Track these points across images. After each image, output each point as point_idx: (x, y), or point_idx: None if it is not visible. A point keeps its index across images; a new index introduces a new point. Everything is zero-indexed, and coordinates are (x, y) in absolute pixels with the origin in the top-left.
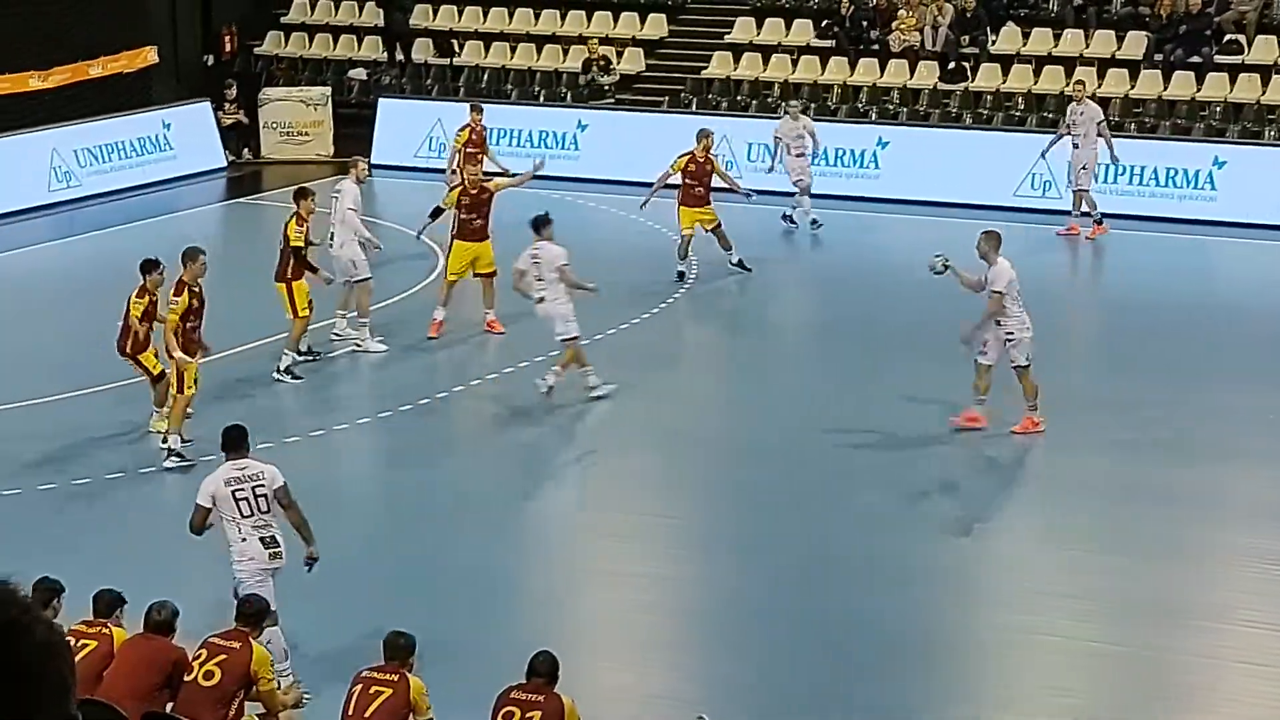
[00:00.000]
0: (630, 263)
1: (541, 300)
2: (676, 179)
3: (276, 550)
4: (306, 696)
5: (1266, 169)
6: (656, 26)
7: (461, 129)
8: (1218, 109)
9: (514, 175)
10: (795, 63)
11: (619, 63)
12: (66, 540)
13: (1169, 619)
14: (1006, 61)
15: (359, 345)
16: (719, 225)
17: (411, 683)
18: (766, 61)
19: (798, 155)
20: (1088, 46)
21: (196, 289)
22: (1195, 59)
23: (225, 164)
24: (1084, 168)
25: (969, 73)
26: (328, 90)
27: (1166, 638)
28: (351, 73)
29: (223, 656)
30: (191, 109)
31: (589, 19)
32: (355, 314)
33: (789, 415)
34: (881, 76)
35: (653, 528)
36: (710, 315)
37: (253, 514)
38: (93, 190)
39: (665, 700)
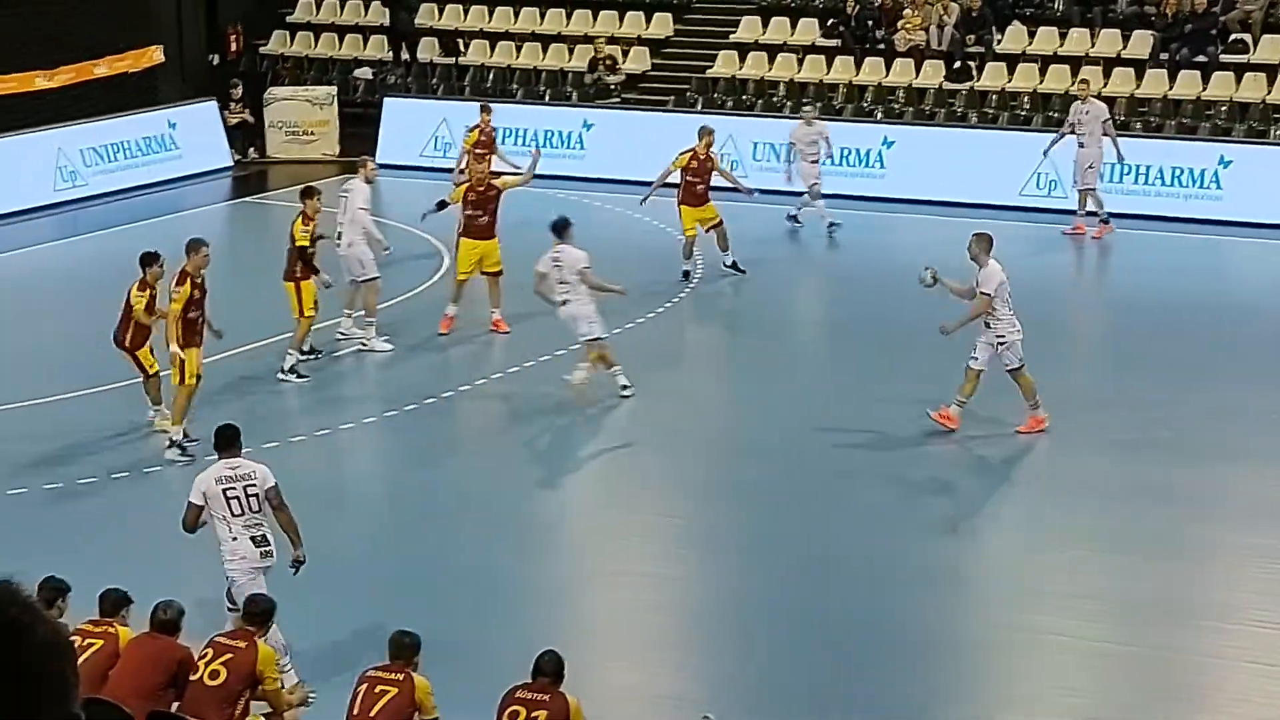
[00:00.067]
0: (635, 262)
1: (564, 303)
2: (676, 177)
3: (267, 549)
4: (312, 695)
5: (1272, 168)
6: (662, 26)
7: (471, 129)
8: (1223, 108)
9: (519, 173)
10: (801, 62)
11: (624, 62)
12: (71, 539)
13: (1176, 619)
14: (1012, 61)
15: (365, 344)
16: (720, 223)
17: (417, 682)
18: (772, 61)
19: (811, 161)
20: (1093, 45)
21: (199, 280)
22: (1201, 58)
23: (231, 163)
24: (1090, 167)
25: (974, 72)
26: (333, 90)
27: (1174, 637)
28: (357, 72)
29: (228, 656)
30: (197, 108)
31: (594, 18)
32: (362, 313)
33: (793, 415)
34: (887, 76)
35: (658, 527)
36: (715, 315)
37: (244, 513)
38: (98, 190)
39: (670, 700)
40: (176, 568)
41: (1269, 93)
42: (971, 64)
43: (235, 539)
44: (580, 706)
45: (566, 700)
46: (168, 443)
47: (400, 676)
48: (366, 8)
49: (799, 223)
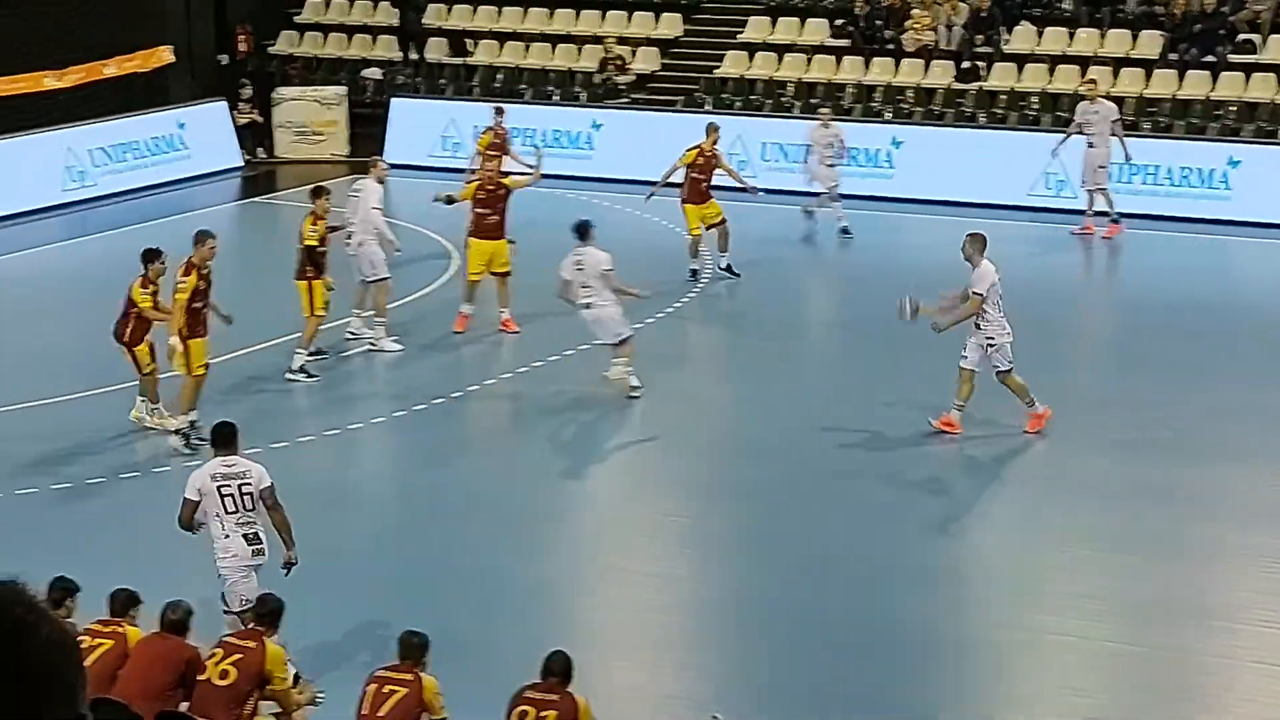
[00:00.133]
0: (644, 262)
1: (588, 306)
2: (679, 176)
3: (259, 547)
4: (320, 695)
5: None
6: (671, 26)
7: (484, 131)
8: (1232, 108)
9: (529, 173)
10: (809, 62)
11: (633, 62)
12: (78, 539)
13: (1182, 619)
14: (1021, 61)
15: (374, 344)
16: (723, 221)
17: (425, 682)
18: (781, 61)
19: (828, 165)
20: (1102, 46)
21: (205, 271)
22: (1210, 58)
23: (240, 163)
24: (1101, 166)
25: (983, 72)
26: (342, 90)
27: (1180, 637)
28: (366, 72)
29: (238, 656)
30: (207, 108)
31: (603, 18)
32: (371, 313)
33: (797, 415)
34: (896, 76)
35: (664, 527)
36: (722, 315)
37: (237, 510)
38: (107, 190)
39: (679, 699)
40: (184, 567)
41: (1278, 93)
42: (980, 64)
43: (228, 536)
44: (589, 706)
45: (575, 700)
46: (173, 431)
47: (409, 676)
48: (375, 8)
49: (813, 216)
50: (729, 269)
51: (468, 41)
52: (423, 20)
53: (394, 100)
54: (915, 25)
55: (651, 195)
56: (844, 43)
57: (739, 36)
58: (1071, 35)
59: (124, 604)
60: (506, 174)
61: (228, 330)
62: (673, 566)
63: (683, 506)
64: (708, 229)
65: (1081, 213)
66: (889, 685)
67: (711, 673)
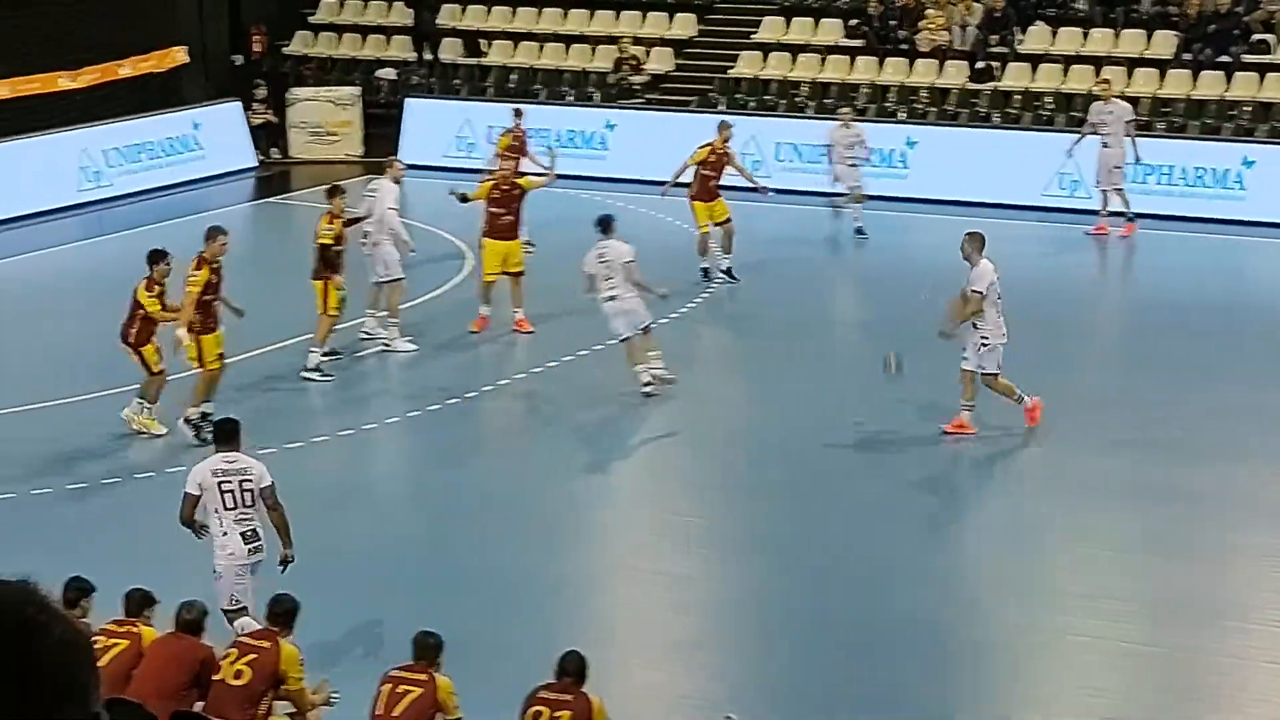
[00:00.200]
0: (658, 262)
1: (612, 299)
2: (689, 175)
3: (257, 544)
4: (334, 695)
5: None
6: (685, 26)
7: (503, 133)
8: (1246, 108)
9: (543, 174)
10: (823, 62)
11: (647, 62)
12: (93, 539)
13: (1197, 619)
14: (1035, 61)
15: (388, 345)
16: (729, 221)
17: (439, 682)
18: (795, 61)
19: (850, 165)
20: (1116, 46)
21: (216, 265)
22: (1224, 58)
23: (254, 164)
24: (1116, 167)
25: (997, 72)
26: (356, 90)
27: (1195, 638)
28: (380, 72)
29: (252, 656)
30: (221, 109)
31: (617, 18)
32: (385, 313)
33: (812, 415)
34: (910, 76)
35: (680, 526)
36: (736, 314)
37: (236, 507)
38: (122, 190)
39: (693, 699)
40: (190, 567)
41: None
42: (994, 64)
43: (225, 534)
44: (603, 706)
45: (589, 700)
46: (186, 425)
47: (423, 676)
48: (389, 8)
49: (838, 212)
50: (728, 272)
51: (482, 42)
52: (437, 20)
53: (408, 100)
54: (929, 25)
55: (665, 193)
56: (858, 43)
57: (753, 37)
58: (1086, 35)
59: (139, 604)
60: (522, 174)
61: (243, 330)
62: (687, 566)
63: (697, 506)
64: (714, 226)
65: (1096, 213)
66: (903, 686)
67: (725, 673)
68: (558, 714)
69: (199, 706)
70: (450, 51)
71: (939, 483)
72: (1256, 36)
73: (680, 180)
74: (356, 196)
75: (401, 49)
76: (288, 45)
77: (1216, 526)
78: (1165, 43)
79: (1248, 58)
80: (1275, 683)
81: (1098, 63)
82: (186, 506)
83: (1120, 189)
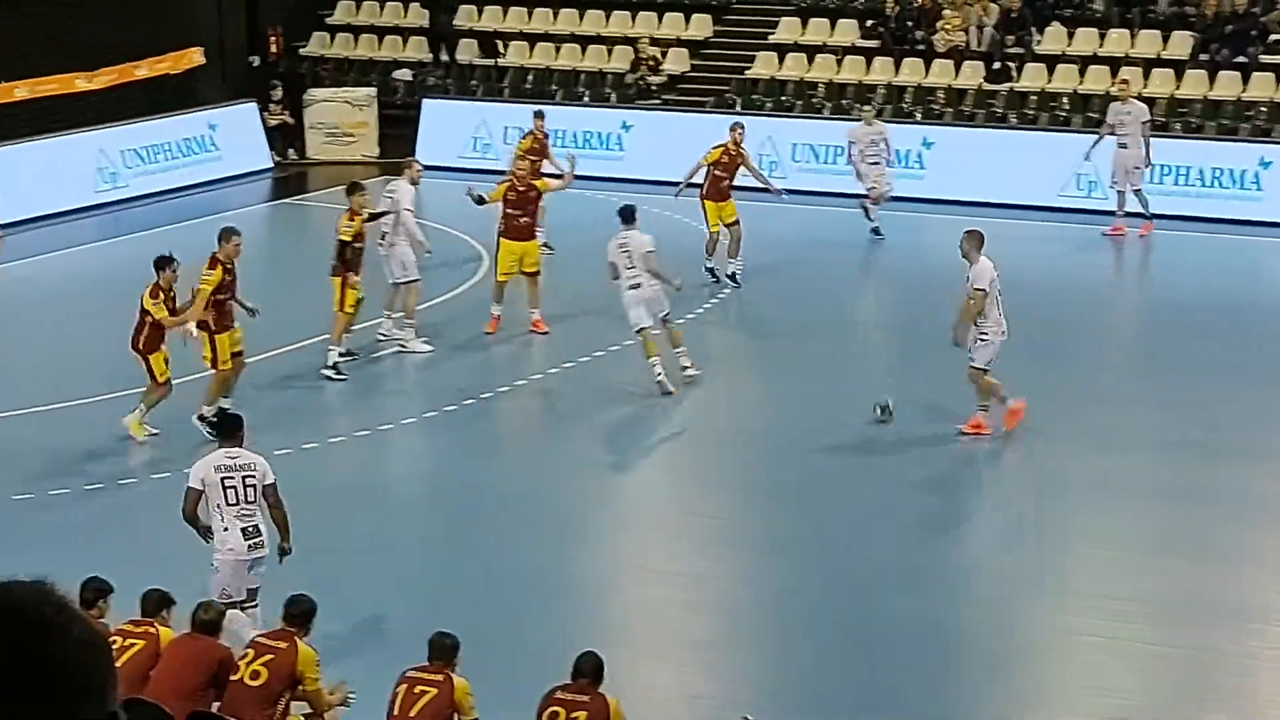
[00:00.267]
0: (674, 262)
1: (635, 288)
2: (701, 175)
3: (258, 540)
4: (351, 696)
5: None
6: (701, 27)
7: (525, 135)
8: (1264, 109)
9: (561, 179)
10: (840, 63)
11: (664, 63)
12: (106, 540)
13: (1212, 620)
14: (1052, 61)
15: (404, 346)
16: (737, 223)
17: (456, 683)
18: (811, 62)
19: (872, 163)
20: (1133, 46)
21: (230, 266)
22: (1241, 59)
23: (271, 165)
24: (1136, 167)
25: (1014, 73)
26: (373, 91)
27: (1210, 639)
28: (396, 73)
29: (269, 656)
30: (237, 110)
31: (634, 19)
32: (401, 314)
33: (830, 416)
34: (926, 76)
35: (697, 527)
36: (752, 315)
37: (238, 503)
38: (139, 191)
39: (709, 700)
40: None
41: None
42: (1011, 65)
43: (226, 529)
44: (620, 707)
45: (606, 701)
46: (199, 421)
47: (440, 677)
48: (406, 9)
49: (879, 235)
50: (732, 277)
51: (498, 43)
52: (453, 22)
53: (426, 101)
54: (946, 26)
55: (678, 194)
56: (874, 44)
57: (770, 37)
58: (1102, 36)
59: (157, 604)
60: (538, 176)
61: (259, 330)
62: (703, 566)
63: (713, 506)
64: (722, 227)
65: (1112, 213)
66: (919, 686)
67: (741, 673)
68: (574, 714)
69: (216, 707)
70: (467, 52)
71: (952, 484)
72: (1274, 37)
73: (693, 180)
74: (375, 198)
75: (418, 50)
76: (304, 46)
77: (1233, 527)
78: (1182, 43)
79: (1265, 58)
80: None
81: (1114, 63)
82: (189, 501)
83: (1139, 189)
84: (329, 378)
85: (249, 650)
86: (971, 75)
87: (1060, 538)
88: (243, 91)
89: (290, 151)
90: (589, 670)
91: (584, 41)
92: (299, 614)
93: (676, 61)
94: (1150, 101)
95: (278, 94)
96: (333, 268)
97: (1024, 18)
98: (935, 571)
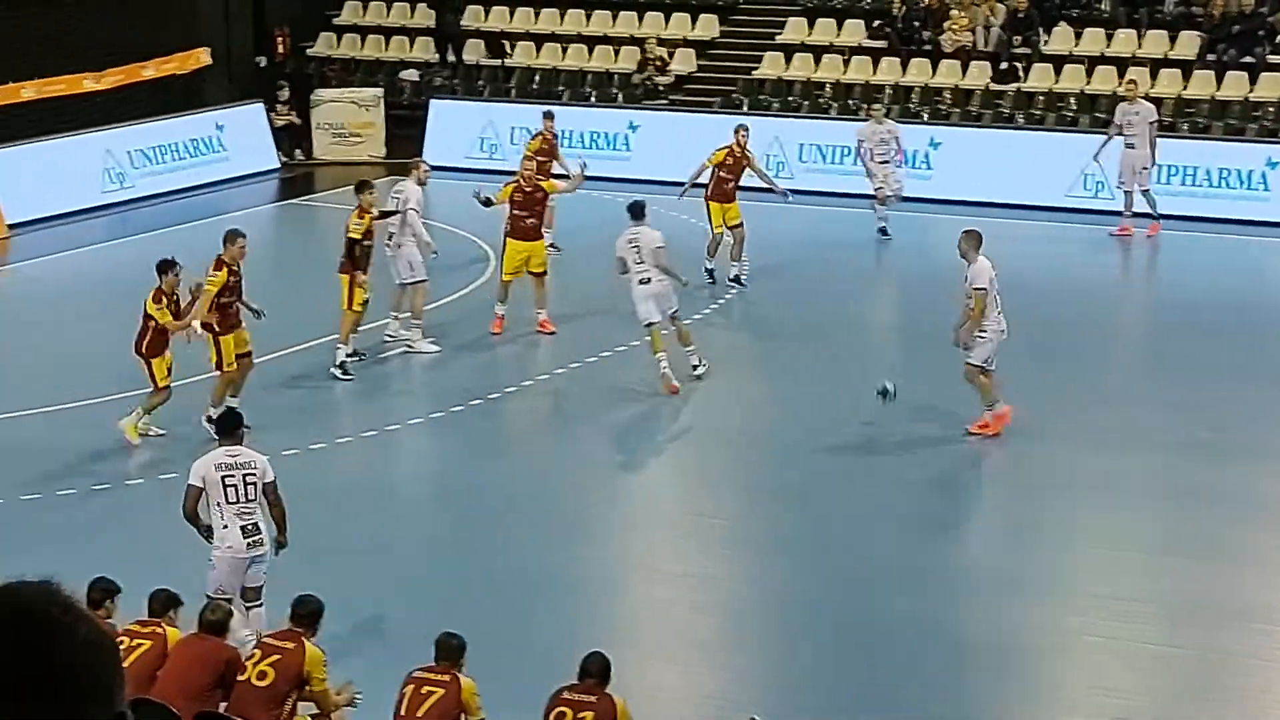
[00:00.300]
0: (682, 262)
1: (645, 282)
2: (706, 176)
3: (257, 538)
4: (358, 696)
5: None
6: (708, 27)
7: (534, 136)
8: (1271, 109)
9: (567, 181)
10: (847, 63)
11: (670, 63)
12: (119, 540)
13: (1219, 620)
14: (1059, 62)
15: (411, 346)
16: (740, 225)
17: (463, 683)
18: (818, 62)
19: (881, 161)
20: (1140, 47)
21: (235, 268)
22: (1248, 59)
23: (277, 165)
24: (1144, 168)
25: (1021, 73)
26: (380, 91)
27: (1218, 639)
28: (403, 74)
29: (276, 656)
30: (244, 110)
31: (640, 20)
32: (408, 315)
33: (836, 417)
34: (933, 77)
35: (703, 528)
36: (758, 316)
37: (238, 501)
38: (146, 191)
39: (717, 700)
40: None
41: None
42: (1018, 65)
43: (226, 527)
44: (627, 707)
45: (613, 701)
46: (205, 419)
47: (447, 678)
48: (413, 10)
49: (889, 231)
50: (737, 279)
51: (505, 43)
52: (460, 22)
53: (433, 102)
54: (953, 26)
55: (682, 195)
56: (881, 44)
57: (776, 38)
58: (1109, 36)
59: (164, 605)
60: (546, 177)
61: (267, 331)
62: (710, 567)
63: (720, 507)
64: (726, 229)
65: (1119, 214)
66: (925, 686)
67: (749, 674)
68: (581, 715)
69: (223, 707)
70: (474, 53)
71: (955, 484)
72: None
73: (698, 181)
74: (383, 198)
75: (425, 50)
76: (311, 47)
77: (1238, 527)
78: (1189, 43)
79: (1272, 58)
80: None
81: (1121, 64)
82: (190, 499)
83: (1147, 190)
84: (337, 377)
85: (256, 650)
86: (978, 75)
87: (1064, 538)
88: (250, 92)
89: (297, 152)
90: (596, 670)
91: (591, 42)
92: (306, 614)
93: (683, 62)
94: (1157, 102)
95: (285, 94)
96: (341, 265)
97: (1031, 18)
98: (939, 571)
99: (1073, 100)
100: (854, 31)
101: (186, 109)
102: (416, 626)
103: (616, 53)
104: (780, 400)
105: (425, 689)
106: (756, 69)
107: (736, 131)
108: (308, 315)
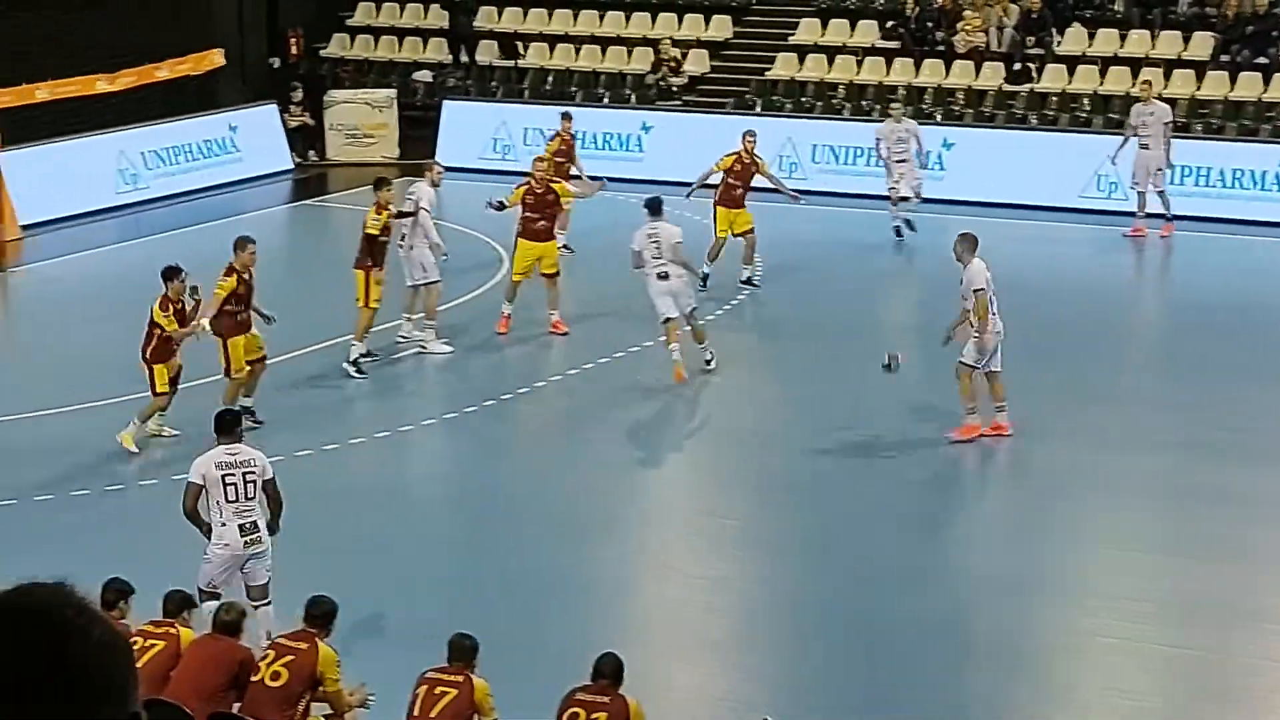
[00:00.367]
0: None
1: (664, 277)
2: (717, 178)
3: (255, 536)
4: (371, 697)
5: None
6: (721, 28)
7: (553, 137)
8: None
9: (580, 185)
10: (860, 64)
11: (683, 64)
12: (133, 541)
13: (1231, 621)
14: (1072, 62)
15: (424, 347)
16: (751, 231)
17: (476, 684)
18: (831, 63)
19: (898, 160)
20: (1154, 47)
21: (246, 276)
22: (1262, 59)
23: (291, 166)
24: (1159, 169)
25: (1034, 74)
26: (393, 92)
27: (1229, 640)
28: (416, 75)
29: (290, 657)
30: (257, 111)
31: (654, 20)
32: (422, 316)
33: (848, 419)
34: (947, 77)
35: (716, 528)
36: (771, 315)
37: (238, 499)
38: (159, 192)
39: (730, 701)
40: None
41: None
42: (1031, 66)
43: (224, 525)
44: (640, 708)
45: (626, 702)
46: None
47: (460, 678)
48: (426, 11)
49: (904, 232)
50: (748, 281)
51: (518, 44)
52: (473, 23)
53: (446, 103)
54: (966, 27)
55: (690, 194)
56: (895, 44)
57: (790, 39)
58: (1123, 37)
59: (178, 605)
60: (560, 179)
61: (280, 332)
62: (723, 568)
63: (733, 507)
64: (734, 236)
65: (1133, 214)
66: (937, 686)
67: (761, 674)
68: (594, 715)
69: (237, 708)
70: (487, 54)
71: (969, 484)
72: None
73: (708, 182)
74: (397, 199)
75: (438, 51)
76: (325, 48)
77: (1251, 528)
78: (1203, 44)
79: None
80: None
81: (1135, 64)
82: (190, 497)
83: (1162, 190)
84: (350, 374)
85: (269, 651)
86: (992, 76)
87: (1076, 538)
88: (263, 93)
89: (310, 153)
90: (609, 671)
91: (604, 43)
92: (320, 615)
93: (696, 63)
94: (1171, 102)
95: (298, 95)
96: (356, 261)
97: (1044, 18)
98: (955, 572)
99: (1086, 101)
100: (867, 32)
101: (200, 110)
102: (429, 627)
103: (629, 54)
104: (793, 400)
105: (438, 689)
106: (770, 70)
107: (744, 137)
108: (321, 316)
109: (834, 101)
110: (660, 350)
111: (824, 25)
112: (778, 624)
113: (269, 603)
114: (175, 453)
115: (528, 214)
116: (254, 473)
